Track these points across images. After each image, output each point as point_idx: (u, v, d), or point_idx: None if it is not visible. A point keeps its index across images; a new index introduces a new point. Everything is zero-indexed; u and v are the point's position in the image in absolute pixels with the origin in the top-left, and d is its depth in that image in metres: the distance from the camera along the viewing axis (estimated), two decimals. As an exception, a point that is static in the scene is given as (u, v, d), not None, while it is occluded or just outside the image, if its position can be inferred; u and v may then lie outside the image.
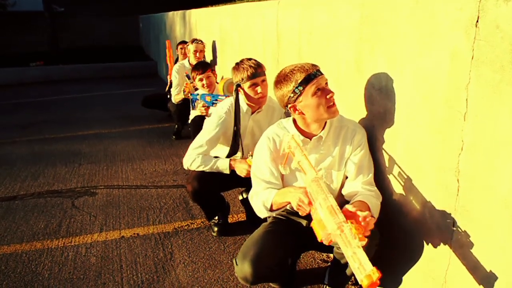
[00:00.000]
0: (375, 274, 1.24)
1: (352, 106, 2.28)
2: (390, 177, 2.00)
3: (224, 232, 2.90)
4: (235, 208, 3.27)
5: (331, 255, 2.43)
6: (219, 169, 2.59)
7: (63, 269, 2.56)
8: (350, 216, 1.54)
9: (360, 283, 1.28)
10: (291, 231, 2.06)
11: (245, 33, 4.17)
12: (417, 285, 1.89)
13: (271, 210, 1.94)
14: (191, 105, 4.04)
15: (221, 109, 2.72)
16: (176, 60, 6.01)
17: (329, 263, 2.49)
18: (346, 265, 1.93)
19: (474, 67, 1.42)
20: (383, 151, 2.05)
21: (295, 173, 2.04)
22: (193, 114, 4.14)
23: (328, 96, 1.88)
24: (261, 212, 2.00)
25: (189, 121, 4.22)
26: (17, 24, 17.91)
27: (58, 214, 3.29)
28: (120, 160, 4.54)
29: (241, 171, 2.50)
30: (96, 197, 3.59)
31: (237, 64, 2.61)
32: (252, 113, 2.72)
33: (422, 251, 1.83)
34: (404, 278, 1.98)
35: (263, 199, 1.95)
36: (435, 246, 1.74)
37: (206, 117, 3.51)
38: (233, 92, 2.63)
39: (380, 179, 2.05)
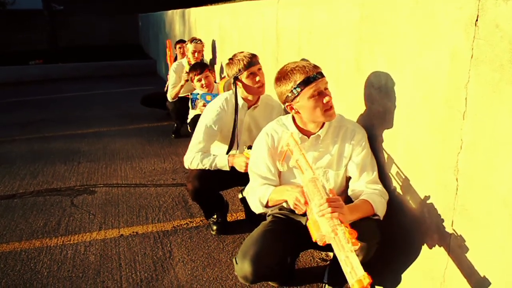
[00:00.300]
0: (366, 280, 1.27)
1: (351, 105, 2.28)
2: (390, 176, 2.00)
3: (223, 231, 2.90)
4: (234, 206, 3.28)
5: (330, 254, 2.44)
6: (218, 166, 2.58)
7: (62, 267, 2.56)
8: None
9: (351, 287, 1.30)
10: (291, 230, 2.06)
11: (244, 32, 4.16)
12: (416, 284, 1.89)
13: (266, 206, 1.96)
14: (190, 104, 4.05)
15: (216, 105, 2.72)
16: (175, 59, 6.02)
17: (328, 262, 2.49)
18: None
19: (474, 66, 1.43)
20: (382, 150, 2.05)
21: (293, 170, 2.04)
22: (192, 113, 4.14)
23: (325, 101, 1.88)
24: (256, 207, 2.01)
25: (189, 120, 4.22)
26: (16, 22, 17.89)
27: (57, 212, 3.29)
28: (119, 158, 4.54)
29: (240, 165, 2.49)
30: (95, 195, 3.59)
31: (230, 59, 2.63)
32: (248, 108, 2.71)
33: (421, 250, 1.83)
34: (403, 276, 1.99)
35: (259, 195, 1.97)
36: (434, 245, 1.74)
37: None
38: (232, 85, 2.63)
39: (379, 178, 2.05)
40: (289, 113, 2.05)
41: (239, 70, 2.55)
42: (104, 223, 3.10)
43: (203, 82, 3.89)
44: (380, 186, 1.95)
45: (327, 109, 1.90)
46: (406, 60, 1.79)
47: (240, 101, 2.68)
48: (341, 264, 1.37)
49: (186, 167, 2.69)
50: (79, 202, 3.45)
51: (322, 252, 2.61)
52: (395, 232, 1.98)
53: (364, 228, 1.79)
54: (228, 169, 2.57)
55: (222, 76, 4.95)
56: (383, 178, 2.02)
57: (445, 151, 1.61)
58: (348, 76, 2.28)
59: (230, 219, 3.09)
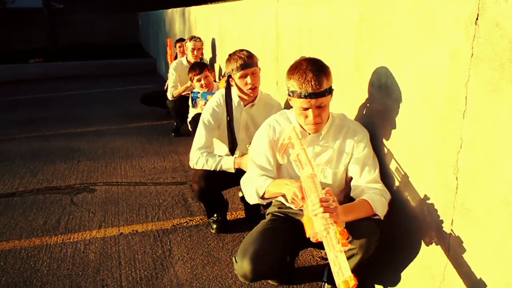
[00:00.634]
0: (352, 281, 1.30)
1: (351, 104, 2.28)
2: (390, 174, 2.01)
3: (223, 229, 2.91)
4: (234, 205, 3.28)
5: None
6: (224, 168, 2.60)
7: (61, 266, 2.56)
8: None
9: (338, 287, 1.33)
10: (290, 229, 2.06)
11: (244, 31, 4.16)
12: (416, 282, 1.90)
13: (262, 197, 1.96)
14: (191, 103, 4.05)
15: (212, 101, 2.78)
16: (176, 58, 6.02)
17: (328, 261, 2.49)
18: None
19: (474, 65, 1.42)
20: (382, 149, 2.05)
21: (292, 164, 2.04)
22: (193, 112, 4.14)
23: (307, 119, 1.88)
24: (251, 197, 2.01)
25: (189, 119, 4.22)
26: (16, 20, 17.89)
27: (57, 210, 3.29)
28: (119, 157, 4.54)
29: (248, 166, 2.50)
30: (95, 193, 3.59)
31: (229, 55, 2.64)
32: (245, 105, 2.72)
33: (421, 248, 1.83)
34: (403, 275, 1.99)
35: (256, 186, 1.96)
36: (434, 244, 1.74)
37: None
38: (225, 82, 2.66)
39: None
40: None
41: (233, 69, 2.58)
42: (104, 221, 3.10)
43: (202, 82, 3.89)
44: (381, 186, 1.94)
45: (309, 124, 1.90)
46: (406, 59, 1.79)
47: (236, 99, 2.71)
48: (330, 263, 1.40)
49: (192, 167, 2.70)
50: (79, 201, 3.45)
51: (321, 251, 2.61)
52: (395, 230, 1.98)
53: (363, 226, 1.80)
54: (233, 171, 2.59)
55: (222, 74, 4.95)
56: (383, 177, 2.02)
57: (445, 150, 1.61)
58: (348, 75, 2.28)
59: (230, 218, 3.09)
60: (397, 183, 1.96)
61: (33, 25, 17.31)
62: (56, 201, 3.46)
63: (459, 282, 1.60)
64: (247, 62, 2.57)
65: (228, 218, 3.03)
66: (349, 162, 2.02)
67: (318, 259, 2.57)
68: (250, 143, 2.46)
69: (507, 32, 1.28)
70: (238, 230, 2.91)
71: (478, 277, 1.52)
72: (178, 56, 5.84)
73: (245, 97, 2.69)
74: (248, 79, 2.59)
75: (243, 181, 2.11)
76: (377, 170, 1.98)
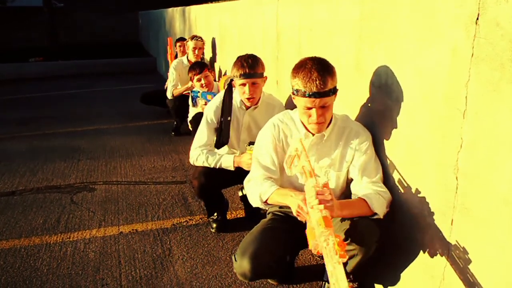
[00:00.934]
0: None
1: (351, 104, 2.28)
2: (390, 174, 2.00)
3: (223, 229, 2.91)
4: (233, 204, 3.28)
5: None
6: (223, 166, 2.62)
7: (61, 265, 2.56)
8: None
9: None
10: (291, 228, 2.06)
11: (244, 30, 4.16)
12: (416, 282, 1.89)
13: (265, 203, 1.97)
14: (191, 102, 4.05)
15: (216, 100, 2.79)
16: (176, 57, 6.01)
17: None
18: (345, 262, 1.93)
19: (474, 64, 1.42)
20: (382, 148, 2.04)
21: (298, 174, 2.04)
22: (193, 111, 4.14)
23: (310, 118, 1.89)
24: (254, 201, 2.02)
25: (190, 118, 4.22)
26: (16, 19, 17.88)
27: (56, 209, 3.29)
28: (119, 156, 4.54)
29: (247, 164, 2.51)
30: (95, 192, 3.59)
31: (238, 57, 2.62)
32: (247, 108, 2.72)
33: (420, 248, 1.83)
34: (403, 275, 1.99)
35: (261, 191, 1.97)
36: (433, 243, 1.74)
37: None
38: (226, 84, 2.67)
39: (379, 177, 2.05)
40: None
41: (235, 75, 2.57)
42: (104, 220, 3.10)
43: (202, 81, 3.90)
44: (380, 186, 1.93)
45: (312, 123, 1.91)
46: (406, 58, 1.79)
47: (239, 100, 2.70)
48: (328, 274, 1.41)
49: (191, 163, 2.72)
50: (79, 200, 3.45)
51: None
52: (395, 230, 1.98)
53: (362, 226, 1.80)
54: (233, 169, 2.60)
55: (224, 73, 4.95)
56: (384, 176, 2.02)
57: (445, 149, 1.61)
58: (348, 74, 2.28)
59: (230, 217, 3.09)
60: (397, 183, 1.96)
61: (33, 24, 17.30)
62: (56, 200, 3.46)
63: (459, 282, 1.60)
64: (247, 72, 2.53)
65: (228, 217, 3.03)
66: (351, 165, 2.01)
67: (318, 258, 2.57)
68: (250, 142, 2.47)
69: (508, 32, 1.28)
70: (238, 230, 2.91)
71: (478, 277, 1.52)
72: (178, 55, 5.84)
73: (245, 101, 2.70)
74: (246, 89, 2.58)
75: (248, 180, 2.10)
76: (379, 173, 1.97)
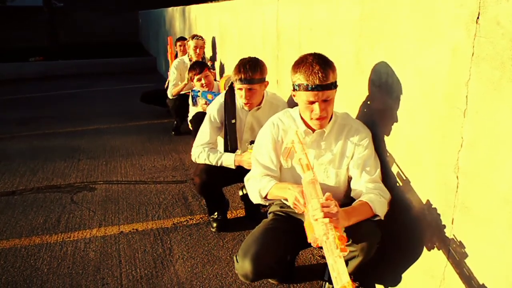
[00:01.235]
0: (350, 287, 1.32)
1: (352, 103, 2.28)
2: (390, 173, 2.00)
3: (223, 228, 2.91)
4: (234, 204, 3.28)
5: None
6: (224, 164, 2.63)
7: (62, 264, 2.56)
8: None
9: None
10: (291, 229, 2.06)
11: (244, 29, 4.16)
12: (416, 282, 1.89)
13: (265, 198, 1.99)
14: (191, 101, 4.04)
15: (219, 100, 2.79)
16: (176, 56, 6.01)
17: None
18: (346, 262, 1.93)
19: (475, 63, 1.42)
20: (383, 147, 2.04)
21: (296, 167, 2.04)
22: (193, 110, 4.14)
23: (313, 113, 1.88)
24: (255, 197, 2.04)
25: (190, 118, 4.22)
26: (16, 19, 17.88)
27: (57, 209, 3.29)
28: (119, 155, 4.54)
29: (248, 164, 2.50)
30: (95, 192, 3.59)
31: (239, 60, 2.61)
32: (250, 109, 2.72)
33: (421, 248, 1.83)
34: (403, 275, 1.98)
35: (260, 187, 1.99)
36: (434, 243, 1.74)
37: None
38: (226, 86, 2.67)
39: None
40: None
41: (234, 78, 2.57)
42: (104, 220, 3.10)
43: (203, 81, 3.90)
44: (380, 185, 1.93)
45: (314, 118, 1.90)
46: (406, 57, 1.79)
47: (240, 101, 2.70)
48: (329, 268, 1.41)
49: (193, 160, 2.74)
50: (79, 199, 3.45)
51: (322, 250, 2.60)
52: (396, 230, 1.98)
53: (364, 228, 1.80)
54: (234, 167, 2.61)
55: (224, 73, 4.95)
56: (384, 176, 2.02)
57: (446, 149, 1.61)
58: (349, 73, 2.28)
59: (230, 217, 3.09)
60: (397, 182, 1.96)
61: (34, 24, 17.30)
62: (56, 199, 3.46)
63: (460, 282, 1.60)
64: (244, 78, 2.51)
65: (228, 216, 3.03)
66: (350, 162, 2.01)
67: (319, 258, 2.57)
68: (251, 141, 2.47)
69: (508, 31, 1.28)
70: (238, 229, 2.91)
71: (479, 277, 1.52)
72: (179, 54, 5.84)
73: (243, 105, 2.70)
74: (243, 93, 2.57)
75: (247, 179, 2.12)
76: (378, 170, 1.97)
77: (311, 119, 1.92)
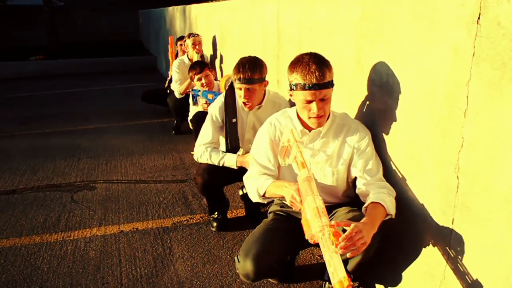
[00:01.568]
0: (346, 282, 1.31)
1: (352, 103, 2.28)
2: (391, 173, 2.00)
3: (223, 228, 2.91)
4: (234, 203, 3.28)
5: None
6: (226, 164, 2.64)
7: (62, 263, 2.56)
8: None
9: (333, 287, 1.35)
10: (291, 228, 2.06)
11: (245, 29, 4.16)
12: (417, 282, 1.90)
13: (263, 197, 2.00)
14: (191, 100, 4.04)
15: (221, 99, 2.79)
16: (177, 56, 6.02)
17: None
18: (346, 261, 1.93)
19: (475, 64, 1.42)
20: (383, 147, 2.04)
21: (294, 165, 2.05)
22: (194, 109, 4.14)
23: (310, 112, 1.89)
24: (253, 196, 2.05)
25: (190, 117, 4.22)
26: (17, 18, 17.86)
27: (57, 208, 3.29)
28: (120, 154, 4.54)
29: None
30: (95, 191, 3.59)
31: (239, 60, 2.61)
32: (250, 109, 2.72)
33: (421, 247, 1.83)
34: (404, 274, 1.99)
35: (257, 185, 2.00)
36: (434, 243, 1.75)
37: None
38: (226, 85, 2.67)
39: (380, 176, 2.05)
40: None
41: (234, 78, 2.57)
42: (104, 219, 3.11)
43: (203, 81, 3.90)
44: (386, 184, 1.93)
45: (312, 117, 1.91)
46: (407, 57, 1.79)
47: (241, 102, 2.71)
48: (326, 263, 1.41)
49: (195, 160, 2.74)
50: (79, 198, 3.46)
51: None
52: (396, 230, 1.98)
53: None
54: (235, 168, 2.61)
55: (224, 73, 4.95)
56: (384, 176, 2.02)
57: (446, 149, 1.61)
58: (349, 73, 2.28)
59: (230, 216, 3.09)
60: (398, 182, 1.96)
61: (34, 23, 17.28)
62: (57, 198, 3.46)
63: (460, 282, 1.60)
64: (243, 78, 2.50)
65: (228, 216, 3.03)
66: (349, 162, 2.02)
67: (318, 257, 2.57)
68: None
69: (509, 31, 1.28)
70: (238, 229, 2.92)
71: (479, 277, 1.52)
72: (179, 54, 5.84)
73: (242, 104, 2.70)
74: (242, 93, 2.57)
75: (246, 178, 2.14)
76: (381, 169, 1.98)
77: (309, 118, 1.93)
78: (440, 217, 1.69)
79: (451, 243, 1.64)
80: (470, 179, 1.51)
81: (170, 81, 5.55)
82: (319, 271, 2.37)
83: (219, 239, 2.81)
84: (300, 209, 1.73)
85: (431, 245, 1.77)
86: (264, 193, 1.99)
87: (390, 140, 2.00)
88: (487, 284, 1.49)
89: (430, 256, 1.78)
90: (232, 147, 2.71)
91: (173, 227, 2.97)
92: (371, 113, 2.13)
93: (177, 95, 5.03)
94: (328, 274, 2.20)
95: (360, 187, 1.96)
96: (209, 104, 3.59)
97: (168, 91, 5.52)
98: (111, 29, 18.62)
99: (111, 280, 2.39)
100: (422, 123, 1.74)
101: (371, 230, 1.64)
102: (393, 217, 1.84)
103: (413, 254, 1.88)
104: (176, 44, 6.03)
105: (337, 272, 1.35)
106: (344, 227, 1.60)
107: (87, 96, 7.95)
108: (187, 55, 5.11)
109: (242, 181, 2.91)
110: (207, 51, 5.53)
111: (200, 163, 2.74)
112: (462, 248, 1.58)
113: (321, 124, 1.96)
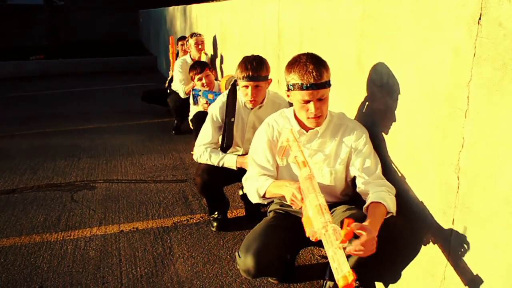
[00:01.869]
0: (351, 276, 1.30)
1: (352, 103, 2.28)
2: (391, 173, 2.00)
3: (223, 227, 2.91)
4: (234, 203, 3.28)
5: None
6: (226, 165, 2.63)
7: (62, 263, 2.56)
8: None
9: (337, 282, 1.34)
10: (292, 227, 2.06)
11: (245, 29, 4.16)
12: (417, 281, 1.90)
13: (263, 197, 2.00)
14: (192, 100, 4.05)
15: (221, 99, 2.79)
16: (177, 56, 6.01)
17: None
18: (346, 257, 1.93)
19: (476, 64, 1.42)
20: (383, 147, 2.05)
21: (292, 165, 2.05)
22: (194, 109, 4.14)
23: (308, 112, 1.90)
24: (253, 197, 2.05)
25: (191, 117, 4.22)
26: (17, 17, 17.87)
27: (57, 207, 3.29)
28: (120, 154, 4.54)
29: None
30: (95, 191, 3.59)
31: (243, 58, 2.61)
32: (252, 108, 2.73)
33: (421, 247, 1.84)
34: (404, 274, 1.99)
35: (257, 186, 2.00)
36: (434, 243, 1.75)
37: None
38: (229, 85, 2.67)
39: (380, 176, 2.05)
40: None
41: (238, 76, 2.57)
42: (104, 218, 3.11)
43: (203, 81, 3.90)
44: (385, 182, 1.93)
45: (311, 117, 1.92)
46: (408, 57, 1.79)
47: (243, 100, 2.71)
48: (329, 260, 1.41)
49: (195, 160, 2.74)
50: (79, 198, 3.46)
51: (322, 250, 2.61)
52: (396, 230, 1.98)
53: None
54: (235, 169, 2.61)
55: (224, 73, 4.95)
56: (384, 175, 2.02)
57: (447, 149, 1.61)
58: (350, 73, 2.28)
59: (230, 216, 3.09)
60: (398, 182, 1.96)
61: (34, 22, 17.30)
62: (57, 198, 3.46)
63: (460, 281, 1.60)
64: (251, 75, 2.51)
65: (228, 216, 3.04)
66: (347, 161, 2.02)
67: (319, 257, 2.58)
68: None
69: (510, 32, 1.28)
70: (238, 228, 2.92)
71: (479, 277, 1.52)
72: (180, 54, 5.84)
73: (247, 103, 2.70)
74: (249, 91, 2.57)
75: (245, 179, 2.13)
76: (379, 167, 1.98)
77: (308, 118, 1.93)
78: (441, 217, 1.69)
79: (451, 243, 1.64)
80: (471, 179, 1.51)
81: (171, 81, 5.56)
82: (320, 271, 2.38)
83: (219, 239, 2.81)
84: (300, 208, 1.73)
85: (431, 245, 1.77)
86: (264, 194, 1.99)
87: (390, 140, 2.00)
88: (488, 284, 1.49)
89: (431, 256, 1.78)
90: (227, 145, 2.72)
91: (173, 227, 2.97)
92: (371, 113, 2.14)
93: (182, 95, 5.02)
94: (329, 272, 2.23)
95: (360, 186, 1.97)
96: (210, 104, 3.59)
97: (168, 91, 5.52)
98: (111, 29, 18.64)
99: (111, 280, 2.39)
100: (422, 123, 1.74)
101: (375, 232, 1.64)
102: (394, 214, 1.84)
103: (413, 254, 1.88)
104: (177, 44, 6.03)
105: (341, 267, 1.34)
106: (356, 232, 1.56)
107: (87, 96, 7.95)
108: (190, 55, 5.11)
109: (240, 181, 2.93)
110: (208, 51, 5.53)
111: (200, 163, 2.74)
112: (462, 248, 1.58)
113: (319, 124, 1.97)
